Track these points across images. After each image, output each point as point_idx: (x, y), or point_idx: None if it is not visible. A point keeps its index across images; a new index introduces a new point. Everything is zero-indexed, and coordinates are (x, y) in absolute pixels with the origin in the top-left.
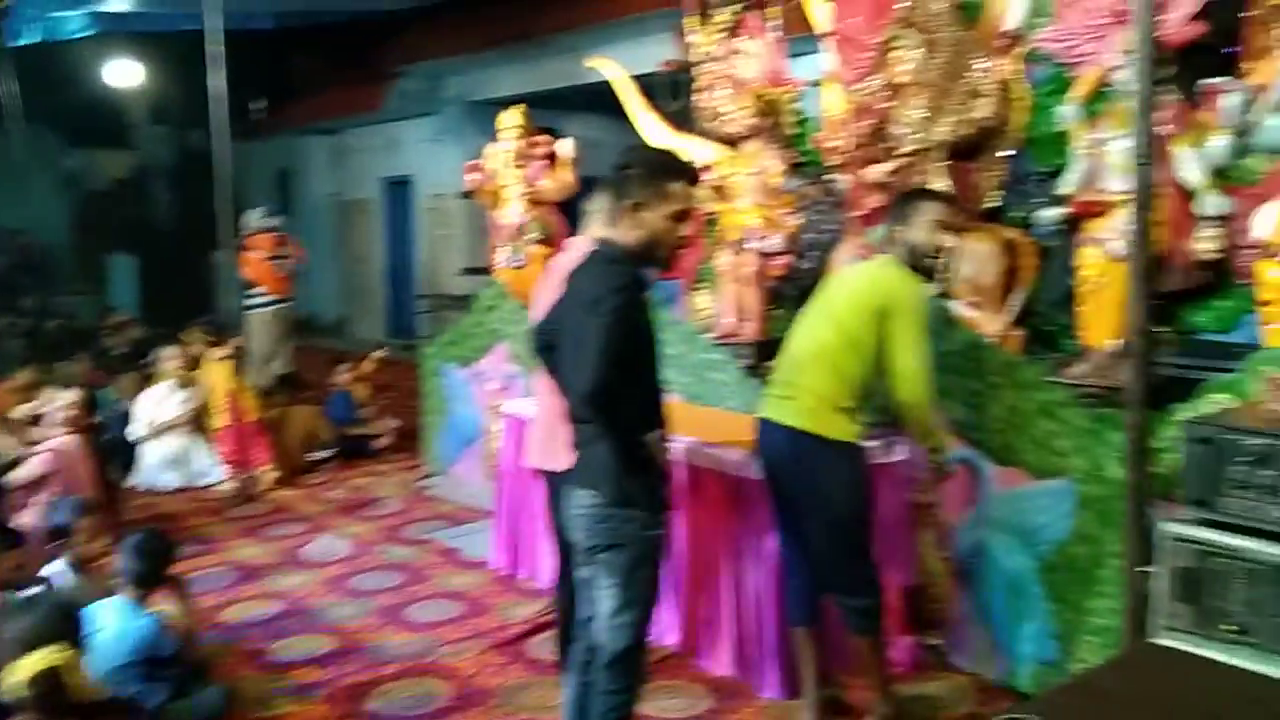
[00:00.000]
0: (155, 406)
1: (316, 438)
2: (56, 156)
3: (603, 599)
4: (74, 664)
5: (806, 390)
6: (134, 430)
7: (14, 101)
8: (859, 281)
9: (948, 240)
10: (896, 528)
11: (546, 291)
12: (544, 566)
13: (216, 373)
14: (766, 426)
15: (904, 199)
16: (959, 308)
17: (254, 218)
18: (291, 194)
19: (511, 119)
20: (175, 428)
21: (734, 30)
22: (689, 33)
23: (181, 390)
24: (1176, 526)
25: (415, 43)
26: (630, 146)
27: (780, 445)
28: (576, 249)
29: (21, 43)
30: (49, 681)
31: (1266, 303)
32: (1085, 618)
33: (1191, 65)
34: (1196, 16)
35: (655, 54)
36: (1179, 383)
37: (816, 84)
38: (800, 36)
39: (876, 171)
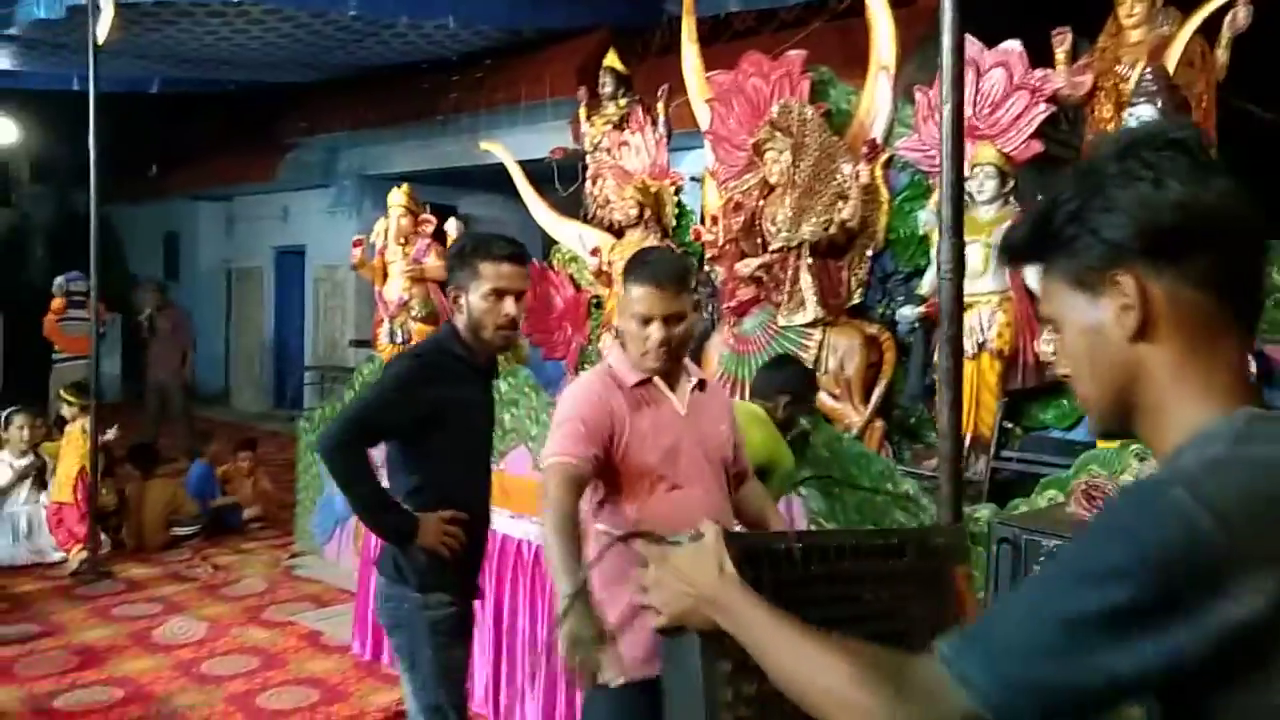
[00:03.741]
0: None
1: (177, 512)
2: None
3: (404, 685)
4: None
5: None
6: None
7: None
8: None
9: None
10: None
11: None
12: None
13: (72, 442)
14: None
15: None
16: (823, 399)
17: (59, 282)
18: (180, 259)
19: (396, 198)
20: (7, 497)
21: (621, 123)
22: (580, 123)
23: (21, 458)
24: None
25: (312, 115)
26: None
27: None
28: None
29: None
30: None
31: None
32: None
33: (1038, 178)
34: (1035, 136)
35: (550, 140)
36: (1028, 477)
37: (697, 179)
38: (686, 132)
39: (748, 265)
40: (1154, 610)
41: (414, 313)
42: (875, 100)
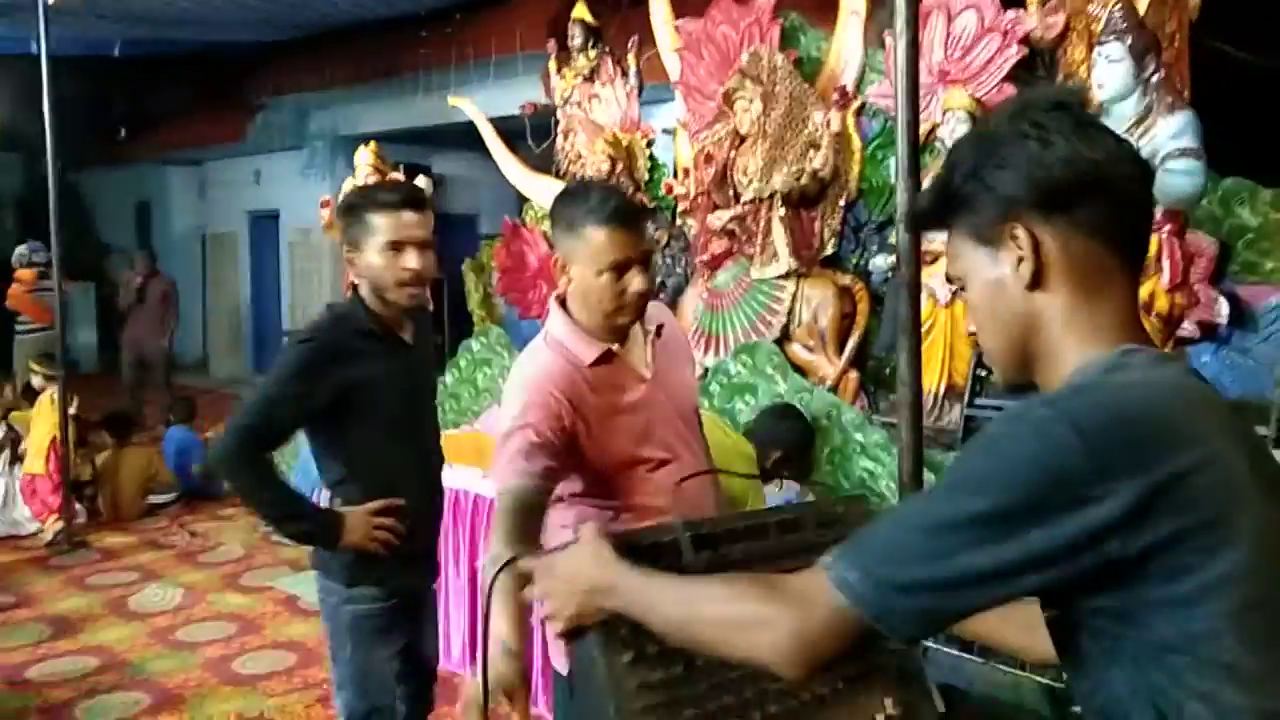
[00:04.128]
0: None
1: (153, 480)
2: None
3: None
4: None
5: None
6: None
7: None
8: None
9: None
10: None
11: None
12: None
13: (42, 412)
14: None
15: None
16: (797, 351)
17: (21, 252)
18: (152, 225)
19: (364, 155)
20: None
21: (592, 76)
22: (550, 76)
23: (8, 431)
24: None
25: (281, 75)
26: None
27: None
28: None
29: None
30: None
31: None
32: None
33: None
34: (1008, 79)
35: (522, 95)
36: None
37: (669, 132)
38: (658, 84)
39: (720, 217)
40: (1012, 515)
41: None
42: (846, 46)
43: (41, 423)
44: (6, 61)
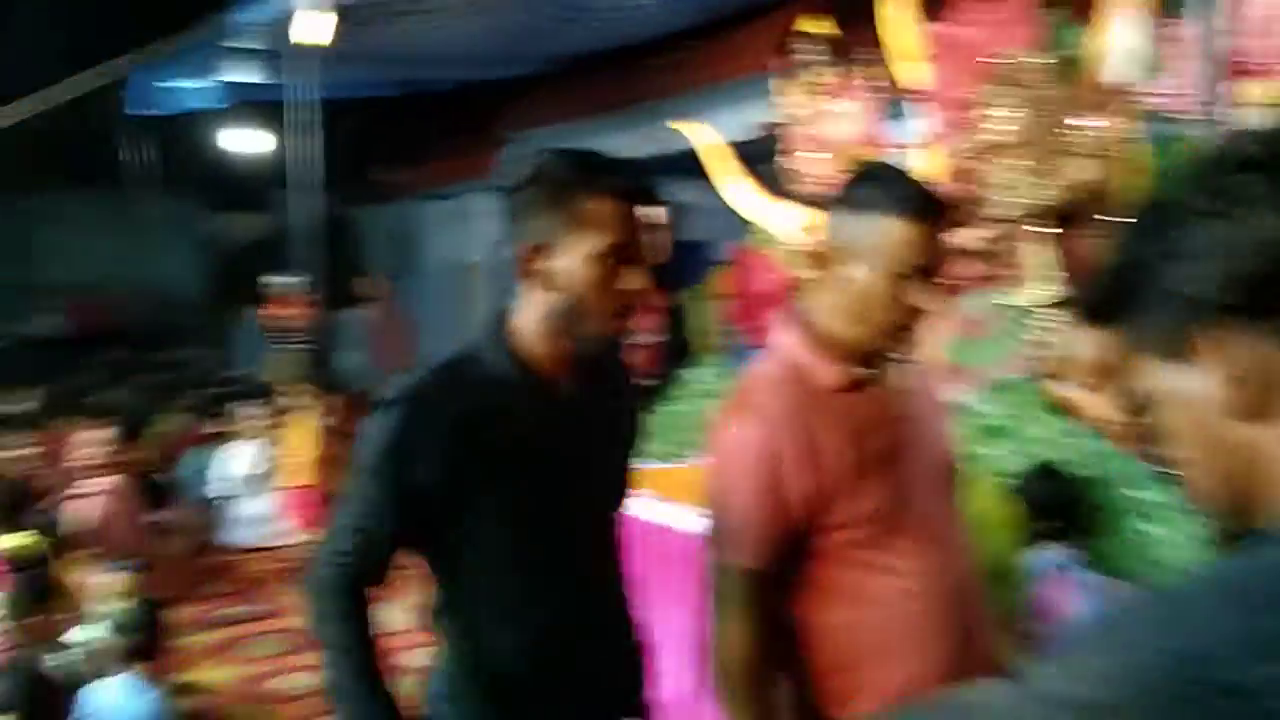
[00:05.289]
0: (241, 463)
1: None
2: (193, 220)
3: None
4: None
5: None
6: (216, 488)
7: (153, 169)
8: None
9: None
10: None
11: None
12: None
13: (301, 431)
14: None
15: None
16: (1067, 390)
17: (276, 280)
18: (410, 257)
19: None
20: (260, 486)
21: (825, 92)
22: (782, 94)
23: (270, 447)
24: None
25: (525, 109)
26: (540, 152)
27: None
28: None
29: (132, 113)
30: None
31: None
32: None
33: None
34: None
35: (754, 118)
36: None
37: (912, 146)
38: (899, 96)
39: (974, 237)
40: None
41: None
42: (1116, 43)
43: (303, 439)
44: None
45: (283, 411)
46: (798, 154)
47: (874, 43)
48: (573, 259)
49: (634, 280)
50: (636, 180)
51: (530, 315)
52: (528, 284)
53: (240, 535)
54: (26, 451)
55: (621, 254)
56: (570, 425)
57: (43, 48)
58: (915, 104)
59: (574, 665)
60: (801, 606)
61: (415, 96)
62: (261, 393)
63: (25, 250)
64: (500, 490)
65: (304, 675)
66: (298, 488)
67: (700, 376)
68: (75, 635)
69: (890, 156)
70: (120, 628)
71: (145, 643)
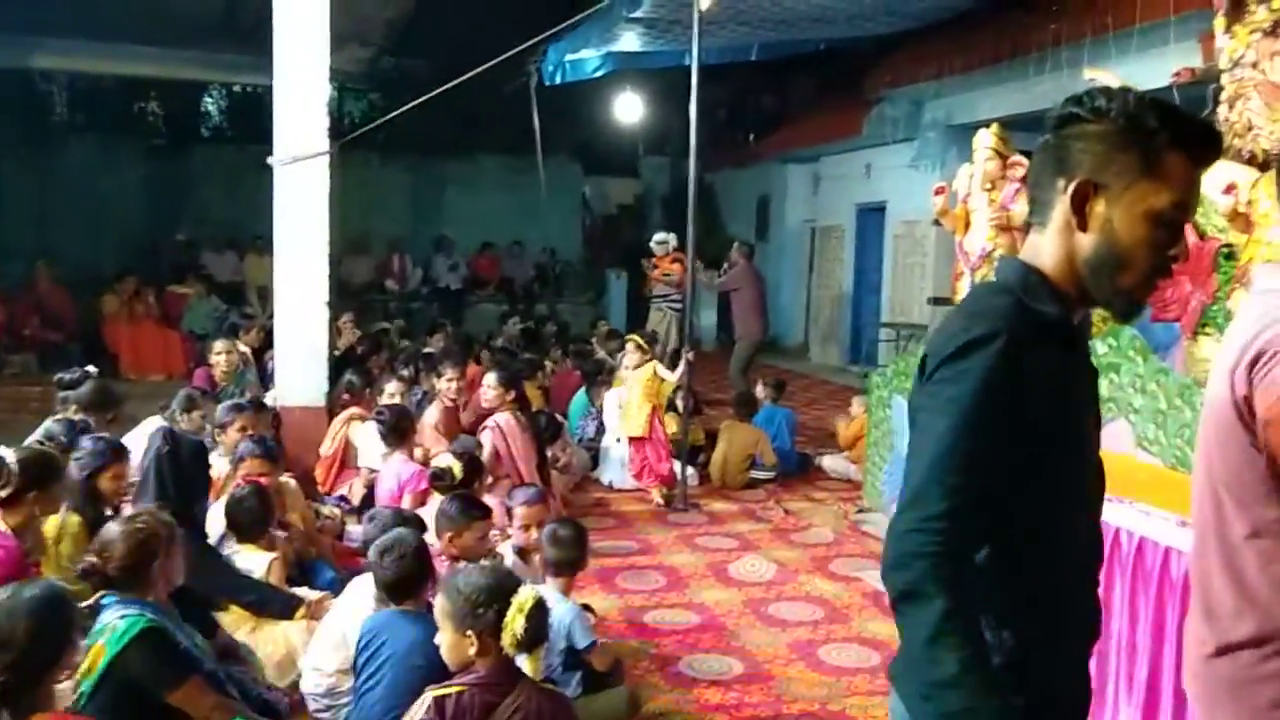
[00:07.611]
0: (614, 411)
1: (754, 456)
2: (574, 183)
3: None
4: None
5: None
6: (593, 430)
7: (542, 135)
8: None
9: None
10: None
11: None
12: None
13: (645, 384)
14: None
15: None
16: None
17: (660, 239)
18: (769, 220)
19: (985, 139)
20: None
21: (1276, 29)
22: (1216, 37)
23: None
24: None
25: (899, 67)
26: (1093, 90)
27: None
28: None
29: (549, 83)
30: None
31: None
32: None
33: None
34: None
35: (1171, 65)
36: None
37: None
38: None
39: None
40: None
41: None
42: None
43: (644, 393)
44: (659, 74)
45: (649, 361)
46: (1239, 101)
47: None
48: (1134, 209)
49: (1180, 245)
50: (1216, 143)
51: (1059, 256)
52: (1066, 222)
53: (611, 476)
54: (456, 384)
55: (1180, 215)
56: (1086, 370)
57: (474, 26)
58: None
59: (1088, 632)
60: None
61: (784, 60)
62: (636, 345)
63: (438, 209)
64: (1068, 435)
65: (671, 612)
66: (639, 439)
67: (1098, 349)
68: (505, 548)
69: None
70: (555, 543)
71: (576, 558)
